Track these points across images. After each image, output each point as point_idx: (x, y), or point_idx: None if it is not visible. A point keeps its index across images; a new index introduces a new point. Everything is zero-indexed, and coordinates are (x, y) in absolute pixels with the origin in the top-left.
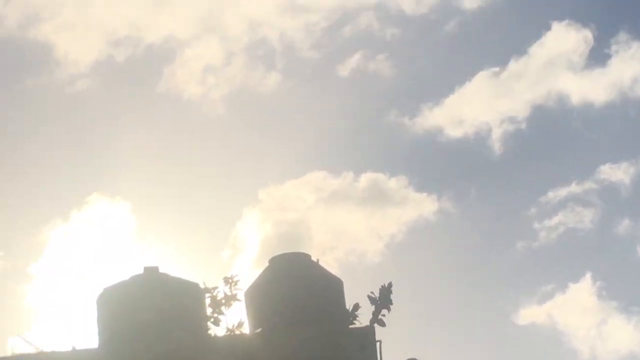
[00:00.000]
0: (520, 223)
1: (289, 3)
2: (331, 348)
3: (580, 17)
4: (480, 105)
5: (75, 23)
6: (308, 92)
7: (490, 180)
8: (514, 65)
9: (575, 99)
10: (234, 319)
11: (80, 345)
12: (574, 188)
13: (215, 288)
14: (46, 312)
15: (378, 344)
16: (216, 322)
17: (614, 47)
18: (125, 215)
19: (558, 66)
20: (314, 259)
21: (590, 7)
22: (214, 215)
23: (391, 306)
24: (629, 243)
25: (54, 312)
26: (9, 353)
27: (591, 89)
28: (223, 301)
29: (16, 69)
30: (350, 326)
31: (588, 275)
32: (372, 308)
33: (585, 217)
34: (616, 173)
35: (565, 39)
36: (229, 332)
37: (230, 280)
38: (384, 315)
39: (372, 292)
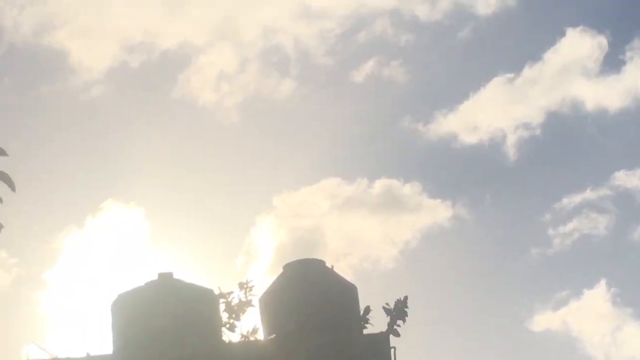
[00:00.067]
0: (535, 229)
1: (303, 9)
2: (345, 354)
3: (594, 24)
4: (495, 112)
5: (90, 29)
6: (322, 99)
7: (505, 187)
8: (528, 72)
9: (590, 105)
10: (248, 325)
11: (95, 352)
12: (588, 194)
13: (230, 293)
14: (61, 319)
15: (392, 350)
16: (231, 328)
17: (628, 54)
18: (139, 221)
19: (573, 72)
20: (328, 265)
21: (604, 13)
22: (228, 221)
23: (406, 318)
24: None
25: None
26: None
27: (606, 95)
28: (235, 307)
29: (31, 75)
30: (364, 332)
31: (603, 282)
32: (388, 319)
33: (600, 224)
34: (631, 179)
35: (579, 45)
36: (243, 338)
37: (245, 286)
38: (398, 326)
39: (387, 304)
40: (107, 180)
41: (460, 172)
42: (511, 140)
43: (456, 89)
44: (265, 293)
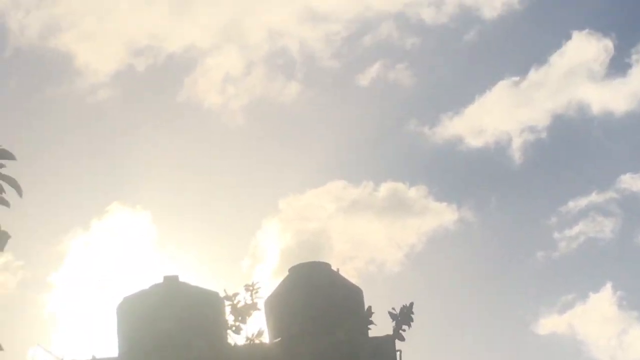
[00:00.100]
0: (541, 232)
1: (309, 13)
2: (351, 357)
3: (600, 27)
4: (501, 115)
5: (96, 33)
6: (328, 102)
7: (511, 190)
8: (534, 75)
9: (596, 108)
10: (253, 328)
11: (100, 355)
12: (594, 198)
13: (236, 295)
14: (66, 322)
15: (398, 353)
16: (237, 331)
17: (634, 57)
18: (145, 225)
19: (578, 75)
20: (334, 268)
21: (610, 16)
22: (234, 224)
23: (412, 323)
24: None
25: (73, 322)
26: None
27: (612, 98)
28: (241, 310)
29: (37, 78)
30: (369, 334)
31: (609, 285)
32: (393, 324)
33: (606, 227)
34: (637, 183)
35: (585, 49)
36: (248, 341)
37: (250, 288)
38: (404, 330)
39: (393, 308)
40: (113, 183)
41: (466, 175)
42: (517, 143)
43: (462, 92)
44: (270, 296)
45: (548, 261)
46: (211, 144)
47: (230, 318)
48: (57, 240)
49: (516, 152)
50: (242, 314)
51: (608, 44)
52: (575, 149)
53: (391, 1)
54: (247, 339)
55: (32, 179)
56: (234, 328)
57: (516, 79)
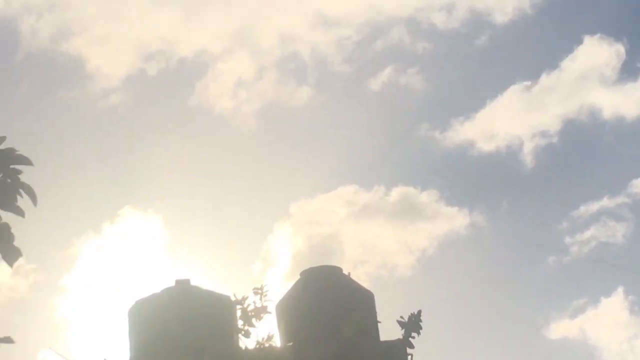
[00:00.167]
0: (552, 237)
1: (320, 17)
2: None
3: (612, 31)
4: (512, 119)
5: (108, 37)
6: (339, 106)
7: (522, 195)
8: (545, 79)
9: (607, 112)
10: (264, 332)
11: (112, 358)
12: (606, 202)
13: (245, 298)
14: (78, 325)
15: (409, 358)
16: (247, 335)
17: None
18: (157, 228)
19: (590, 80)
20: (345, 272)
21: (622, 21)
22: (246, 228)
23: (420, 330)
24: None
25: (85, 325)
26: None
27: (623, 103)
28: (252, 313)
29: (49, 82)
30: (380, 338)
31: (620, 290)
32: (402, 332)
33: (618, 232)
34: None
35: (597, 53)
36: (259, 345)
37: (259, 291)
38: (413, 338)
39: (401, 317)
40: (125, 187)
41: (477, 179)
42: (528, 148)
43: (473, 96)
44: (282, 300)
45: (559, 266)
46: (222, 149)
47: (240, 322)
48: (69, 243)
49: (527, 157)
50: (251, 317)
51: (620, 48)
52: (586, 153)
53: (402, 6)
54: (258, 343)
55: (45, 182)
56: (243, 332)
57: (528, 83)
